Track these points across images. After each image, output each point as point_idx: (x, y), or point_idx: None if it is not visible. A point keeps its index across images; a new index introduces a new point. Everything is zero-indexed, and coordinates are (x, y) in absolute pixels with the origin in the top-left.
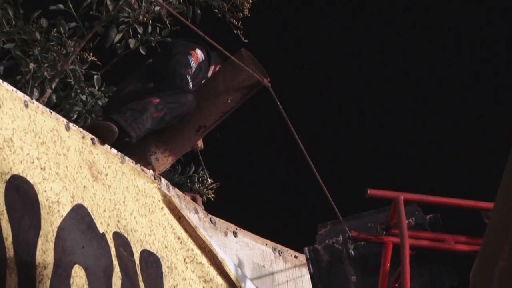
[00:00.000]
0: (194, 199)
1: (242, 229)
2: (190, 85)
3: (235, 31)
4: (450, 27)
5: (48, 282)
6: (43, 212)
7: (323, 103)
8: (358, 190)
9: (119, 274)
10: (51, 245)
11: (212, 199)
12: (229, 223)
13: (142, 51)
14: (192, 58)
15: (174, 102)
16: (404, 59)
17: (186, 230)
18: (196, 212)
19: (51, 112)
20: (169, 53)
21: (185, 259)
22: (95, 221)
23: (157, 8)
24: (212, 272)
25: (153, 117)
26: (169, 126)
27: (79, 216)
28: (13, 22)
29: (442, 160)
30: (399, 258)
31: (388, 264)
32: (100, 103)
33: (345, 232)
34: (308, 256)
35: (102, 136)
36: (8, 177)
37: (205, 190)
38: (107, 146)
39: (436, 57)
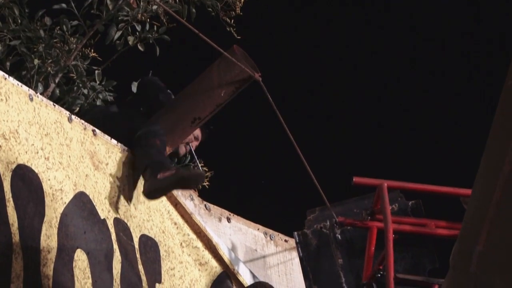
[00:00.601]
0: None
1: (235, 215)
2: None
3: (228, 29)
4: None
5: (52, 266)
6: (47, 199)
7: (311, 96)
8: (344, 178)
9: (119, 258)
10: (55, 231)
11: (207, 187)
12: (223, 209)
13: (140, 48)
14: None
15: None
16: (385, 47)
17: (182, 216)
18: (192, 199)
19: (54, 105)
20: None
21: (181, 243)
22: (96, 207)
23: (154, 7)
24: (207, 255)
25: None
26: (164, 119)
27: (81, 203)
28: (19, 21)
29: (423, 148)
30: (383, 242)
31: (373, 248)
32: (101, 96)
33: (332, 217)
34: (297, 240)
35: (192, 182)
36: (14, 166)
37: None
38: (107, 137)
39: (411, 44)
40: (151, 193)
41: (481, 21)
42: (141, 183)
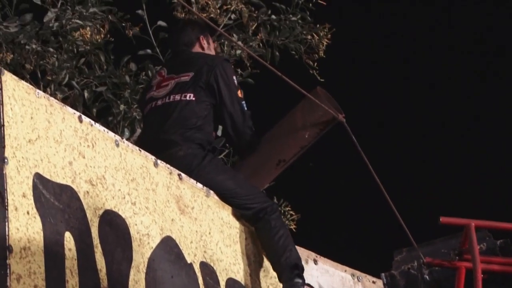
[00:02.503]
0: None
1: (322, 257)
2: None
3: (311, 71)
4: None
5: None
6: (134, 244)
7: (395, 136)
8: (431, 218)
9: None
10: (143, 275)
11: (294, 230)
12: (310, 251)
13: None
14: None
15: None
16: (473, 91)
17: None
18: None
19: (140, 150)
20: None
21: (268, 286)
22: (183, 252)
23: (238, 51)
24: None
25: None
26: (250, 161)
27: (168, 248)
28: (105, 67)
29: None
30: (472, 282)
31: None
32: None
33: (419, 258)
34: (385, 281)
35: None
36: (101, 212)
37: (287, 221)
38: (192, 181)
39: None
40: None
41: None
42: (227, 227)
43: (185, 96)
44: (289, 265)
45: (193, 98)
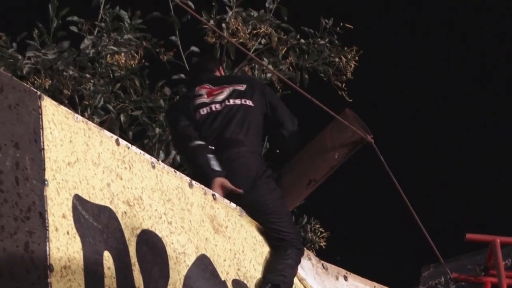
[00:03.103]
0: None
1: (351, 273)
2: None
3: (339, 93)
4: None
5: None
6: (171, 262)
7: (422, 155)
8: (457, 234)
9: None
10: None
11: (323, 247)
12: (340, 268)
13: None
14: None
15: None
16: (494, 107)
17: (297, 276)
18: (310, 259)
19: (175, 172)
20: None
21: None
22: (217, 269)
23: (268, 75)
24: None
25: None
26: (281, 182)
27: (203, 265)
28: (140, 91)
29: None
30: None
31: None
32: None
33: (446, 273)
34: None
35: None
36: (138, 231)
37: (317, 238)
38: (226, 201)
39: None
40: None
41: None
42: (259, 245)
43: (245, 102)
44: (273, 281)
45: (252, 104)
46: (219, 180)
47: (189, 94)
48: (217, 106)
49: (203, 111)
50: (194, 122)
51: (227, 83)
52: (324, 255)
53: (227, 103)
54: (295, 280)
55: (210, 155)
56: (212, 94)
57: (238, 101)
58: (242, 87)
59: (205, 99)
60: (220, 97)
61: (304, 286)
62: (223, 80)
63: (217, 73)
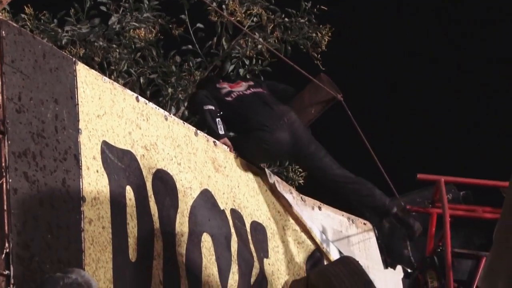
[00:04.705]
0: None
1: (324, 205)
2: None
3: (315, 62)
4: None
5: (185, 246)
6: (180, 195)
7: (384, 110)
8: (409, 174)
9: (236, 239)
10: (186, 219)
11: (302, 184)
12: (315, 200)
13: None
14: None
15: None
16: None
17: (283, 206)
18: (291, 193)
19: (184, 123)
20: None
21: (283, 227)
22: (217, 201)
23: (259, 46)
24: (303, 236)
25: None
26: None
27: (206, 198)
28: (156, 59)
29: (472, 149)
30: (442, 225)
31: (434, 229)
32: None
33: (400, 205)
34: (374, 224)
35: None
36: (154, 170)
37: (297, 177)
38: (225, 147)
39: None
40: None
41: None
42: (251, 182)
43: (261, 89)
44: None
45: (264, 91)
46: (223, 140)
47: (212, 88)
48: (245, 92)
49: (234, 94)
50: (225, 103)
51: (240, 79)
52: (302, 191)
53: (252, 90)
54: (281, 208)
55: (219, 119)
56: (234, 87)
57: (256, 90)
58: (251, 83)
59: (230, 89)
60: (242, 88)
61: (289, 213)
62: (236, 79)
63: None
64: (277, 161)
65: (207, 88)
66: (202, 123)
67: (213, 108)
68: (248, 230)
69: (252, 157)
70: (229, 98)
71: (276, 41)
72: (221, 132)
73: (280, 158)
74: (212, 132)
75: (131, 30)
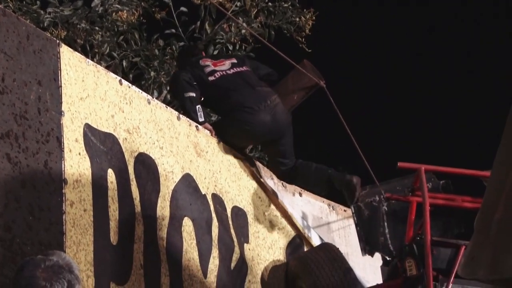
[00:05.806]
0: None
1: (305, 191)
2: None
3: (300, 46)
4: None
5: (166, 230)
6: (161, 179)
7: (367, 97)
8: (390, 162)
9: (217, 224)
10: (167, 203)
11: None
12: (296, 187)
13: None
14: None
15: None
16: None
17: (265, 192)
18: (272, 179)
19: (166, 107)
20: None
21: (264, 213)
22: (198, 185)
23: (243, 31)
24: (284, 222)
25: None
26: None
27: (187, 182)
28: (139, 43)
29: (453, 138)
30: (421, 213)
31: (413, 217)
32: None
33: (380, 193)
34: (353, 211)
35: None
36: (136, 154)
37: None
38: (207, 131)
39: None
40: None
41: None
42: (233, 167)
43: (244, 68)
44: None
45: (248, 69)
46: (204, 125)
47: (195, 65)
48: (228, 71)
49: (217, 74)
50: (207, 84)
51: (223, 58)
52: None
53: (235, 69)
54: (262, 194)
55: (199, 106)
56: (217, 65)
57: (240, 68)
58: (235, 60)
59: (213, 68)
60: (225, 67)
61: (270, 198)
62: (218, 56)
63: (203, 54)
64: (258, 143)
65: (190, 63)
66: (183, 110)
67: (194, 95)
68: (229, 215)
69: (233, 138)
70: (212, 78)
71: (260, 26)
72: (201, 119)
73: (262, 139)
74: (192, 120)
75: (114, 13)
